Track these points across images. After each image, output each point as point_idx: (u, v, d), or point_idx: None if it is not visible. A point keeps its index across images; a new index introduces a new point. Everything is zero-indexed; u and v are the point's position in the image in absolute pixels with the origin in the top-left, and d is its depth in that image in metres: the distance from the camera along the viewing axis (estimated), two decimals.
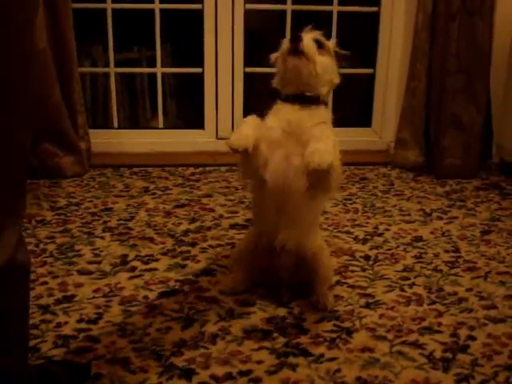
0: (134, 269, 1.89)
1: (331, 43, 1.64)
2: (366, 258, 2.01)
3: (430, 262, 1.98)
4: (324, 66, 1.59)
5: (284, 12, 3.02)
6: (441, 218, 2.39)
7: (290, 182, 1.53)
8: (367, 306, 1.70)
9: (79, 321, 1.58)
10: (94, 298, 1.71)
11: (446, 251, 2.07)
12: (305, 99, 1.60)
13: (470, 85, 2.86)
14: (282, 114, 1.58)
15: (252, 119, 1.55)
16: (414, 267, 1.94)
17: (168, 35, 3.20)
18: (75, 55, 2.76)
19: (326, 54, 1.60)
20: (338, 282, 1.81)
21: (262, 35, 3.34)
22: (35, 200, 2.49)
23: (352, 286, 1.81)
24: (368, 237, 2.18)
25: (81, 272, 1.86)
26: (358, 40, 3.37)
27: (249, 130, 1.49)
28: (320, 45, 1.59)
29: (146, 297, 1.72)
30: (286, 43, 1.60)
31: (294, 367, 1.41)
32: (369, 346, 1.50)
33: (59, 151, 2.78)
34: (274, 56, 1.69)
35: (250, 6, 2.97)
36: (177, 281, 1.82)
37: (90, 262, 1.93)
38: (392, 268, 1.94)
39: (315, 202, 1.62)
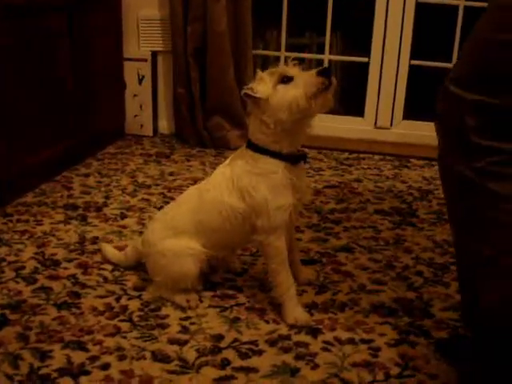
0: None
1: None
2: None
3: None
4: None
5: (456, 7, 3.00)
6: None
7: None
8: None
9: (227, 272, 1.82)
10: (241, 255, 1.93)
11: None
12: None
13: None
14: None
15: None
16: None
17: (339, 23, 3.29)
18: (251, 39, 3.01)
19: None
20: None
21: (432, 29, 3.33)
22: (201, 166, 2.78)
23: None
24: None
25: None
26: None
27: None
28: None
29: None
30: (309, 76, 1.35)
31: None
32: None
33: (227, 125, 3.07)
34: (262, 89, 1.41)
35: (422, 0, 2.99)
36: (317, 252, 1.98)
37: None
38: None
39: None
